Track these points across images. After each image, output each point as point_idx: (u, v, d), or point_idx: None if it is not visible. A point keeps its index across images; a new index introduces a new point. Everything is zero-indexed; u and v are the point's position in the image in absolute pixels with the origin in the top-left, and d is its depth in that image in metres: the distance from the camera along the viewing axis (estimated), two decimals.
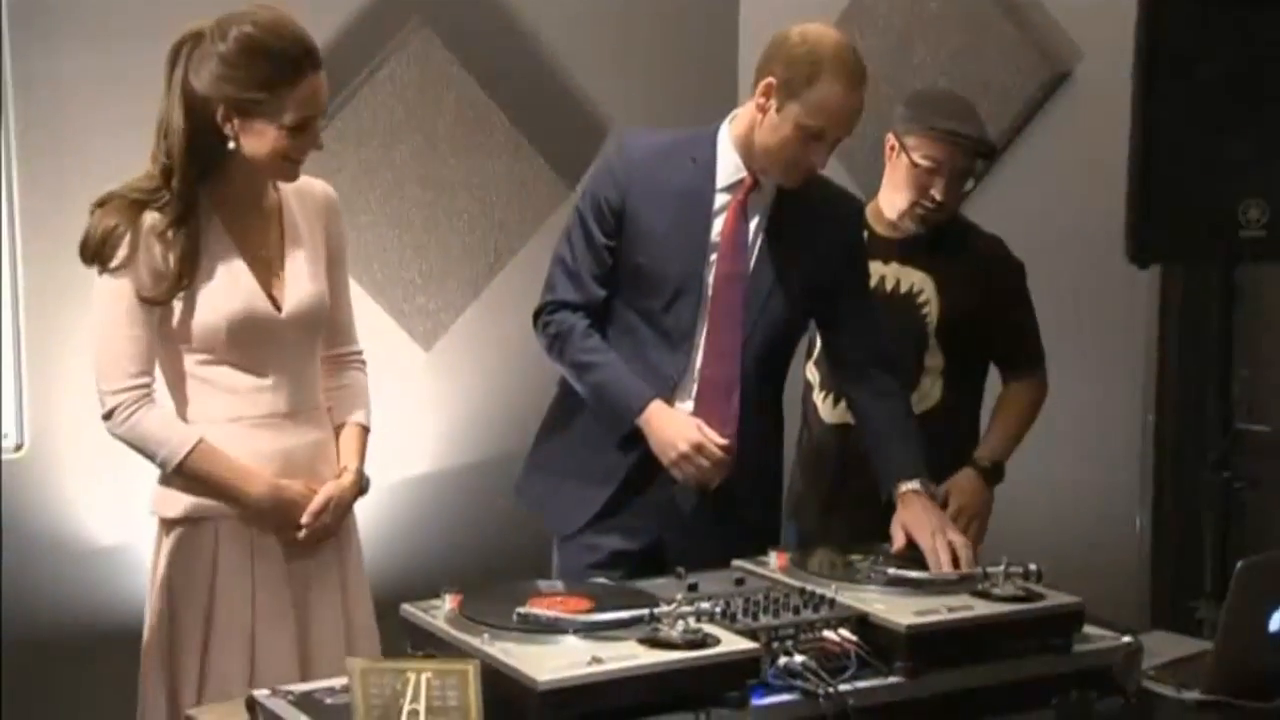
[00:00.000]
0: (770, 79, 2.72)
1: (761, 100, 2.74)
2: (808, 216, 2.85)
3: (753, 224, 2.83)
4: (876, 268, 3.18)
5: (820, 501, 3.28)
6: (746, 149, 2.81)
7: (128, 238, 2.48)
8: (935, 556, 2.59)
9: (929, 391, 3.20)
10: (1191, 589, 3.33)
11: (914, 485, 2.76)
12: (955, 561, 2.57)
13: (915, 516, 2.69)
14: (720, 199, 2.82)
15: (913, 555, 2.59)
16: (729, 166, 2.83)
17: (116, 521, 3.68)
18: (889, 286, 3.19)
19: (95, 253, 2.50)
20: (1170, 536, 3.79)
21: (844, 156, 4.29)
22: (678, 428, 2.75)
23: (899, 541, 2.68)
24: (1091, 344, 3.47)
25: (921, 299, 3.18)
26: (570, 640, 2.09)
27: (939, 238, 3.18)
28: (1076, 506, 3.28)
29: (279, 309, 2.59)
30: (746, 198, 2.82)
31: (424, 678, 1.92)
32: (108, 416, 2.54)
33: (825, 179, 2.87)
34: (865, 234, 3.18)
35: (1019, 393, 3.27)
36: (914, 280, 3.18)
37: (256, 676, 2.53)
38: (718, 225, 2.81)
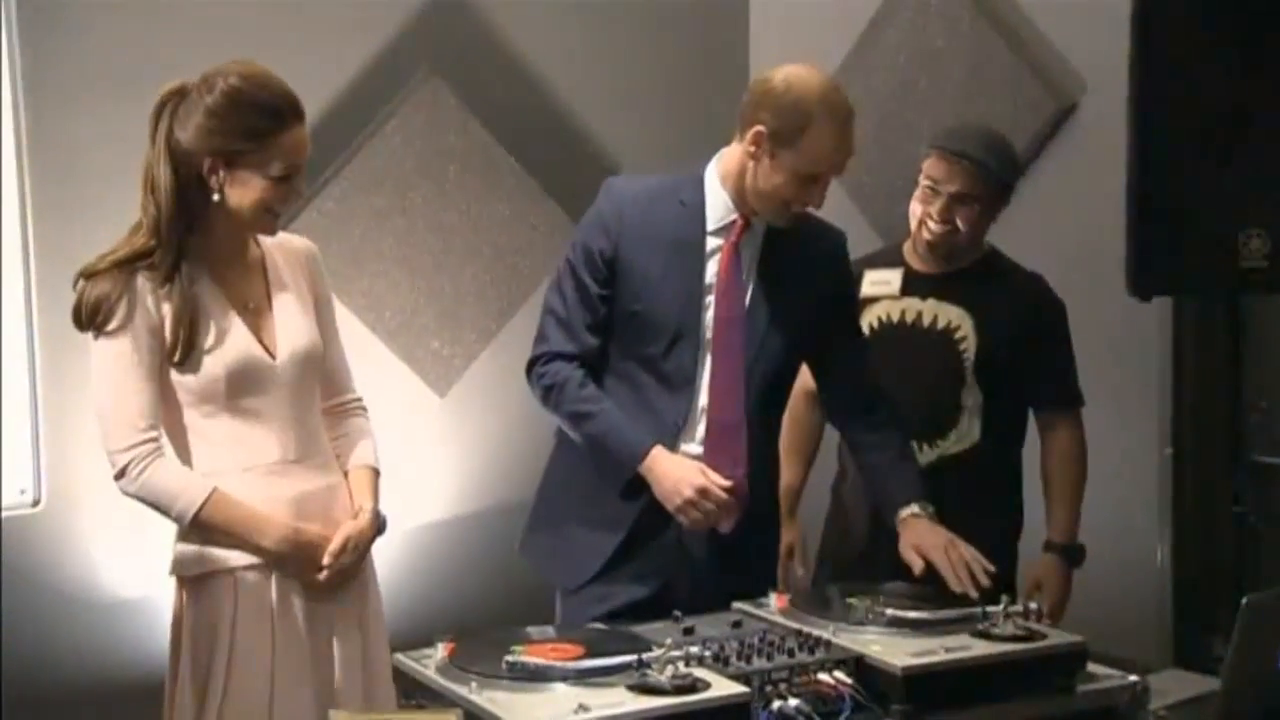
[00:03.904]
0: (760, 128, 2.72)
1: (752, 149, 2.74)
2: (797, 253, 2.86)
3: (745, 265, 2.83)
4: (914, 304, 3.18)
5: (856, 543, 3.24)
6: (737, 190, 2.80)
7: (124, 301, 2.51)
8: (951, 572, 2.64)
9: (968, 430, 3.17)
10: (1211, 625, 3.29)
11: (914, 509, 2.80)
12: (972, 577, 2.64)
13: (922, 536, 2.74)
14: (712, 242, 2.82)
15: (915, 594, 2.58)
16: (719, 208, 2.83)
17: (134, 575, 3.71)
18: (926, 322, 3.18)
19: (89, 320, 2.53)
20: (1190, 572, 3.75)
21: (858, 198, 4.32)
22: (681, 473, 2.73)
23: (916, 564, 2.70)
24: (1107, 379, 3.43)
25: (959, 335, 3.16)
26: (559, 688, 2.09)
27: (977, 273, 3.18)
28: (1097, 543, 3.24)
29: (273, 356, 2.61)
30: (739, 240, 2.82)
31: None
32: (120, 476, 2.54)
33: (809, 213, 2.86)
34: (902, 270, 3.21)
35: (1065, 452, 3.21)
36: (951, 316, 3.16)
37: None
38: (711, 268, 2.81)
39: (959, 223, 3.11)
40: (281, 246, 2.71)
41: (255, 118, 2.50)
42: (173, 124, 2.52)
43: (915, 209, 3.15)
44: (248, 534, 2.55)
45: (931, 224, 3.11)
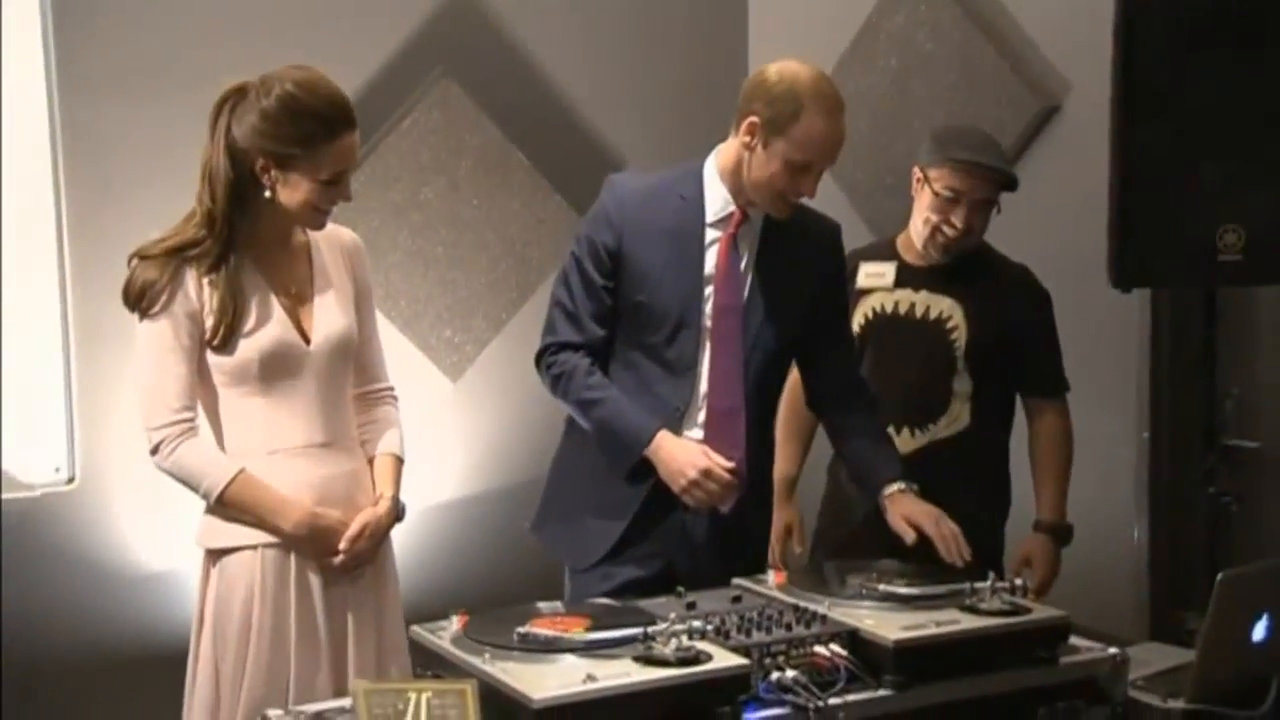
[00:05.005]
0: (753, 118, 2.80)
1: (747, 139, 2.81)
2: (793, 243, 2.93)
3: (743, 255, 2.90)
4: (907, 295, 3.29)
5: (851, 523, 3.32)
6: (734, 183, 2.88)
7: (168, 288, 2.60)
8: (944, 543, 2.75)
9: (958, 416, 3.27)
10: (1186, 601, 3.40)
11: (900, 486, 2.90)
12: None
13: (912, 509, 2.84)
14: (710, 233, 2.89)
15: (907, 571, 2.65)
16: (717, 201, 2.90)
17: (163, 550, 3.82)
18: (919, 313, 3.28)
19: (135, 303, 2.63)
20: (1166, 550, 3.84)
21: (851, 193, 4.43)
22: (686, 455, 2.81)
23: (909, 535, 2.80)
24: (1089, 366, 3.51)
25: (950, 324, 3.26)
26: (568, 659, 2.15)
27: (967, 265, 3.27)
28: (1078, 522, 3.31)
29: (308, 341, 2.69)
30: (737, 231, 2.89)
31: (424, 698, 1.98)
32: (154, 452, 2.64)
33: (804, 205, 2.94)
34: (896, 263, 3.31)
35: (1052, 436, 3.32)
36: (943, 307, 3.27)
37: (292, 703, 2.58)
38: (710, 259, 2.88)
39: (976, 224, 3.23)
40: (327, 236, 2.78)
41: (306, 125, 2.58)
42: (231, 121, 2.60)
43: (930, 217, 3.22)
44: (268, 515, 2.64)
45: (948, 229, 3.21)
